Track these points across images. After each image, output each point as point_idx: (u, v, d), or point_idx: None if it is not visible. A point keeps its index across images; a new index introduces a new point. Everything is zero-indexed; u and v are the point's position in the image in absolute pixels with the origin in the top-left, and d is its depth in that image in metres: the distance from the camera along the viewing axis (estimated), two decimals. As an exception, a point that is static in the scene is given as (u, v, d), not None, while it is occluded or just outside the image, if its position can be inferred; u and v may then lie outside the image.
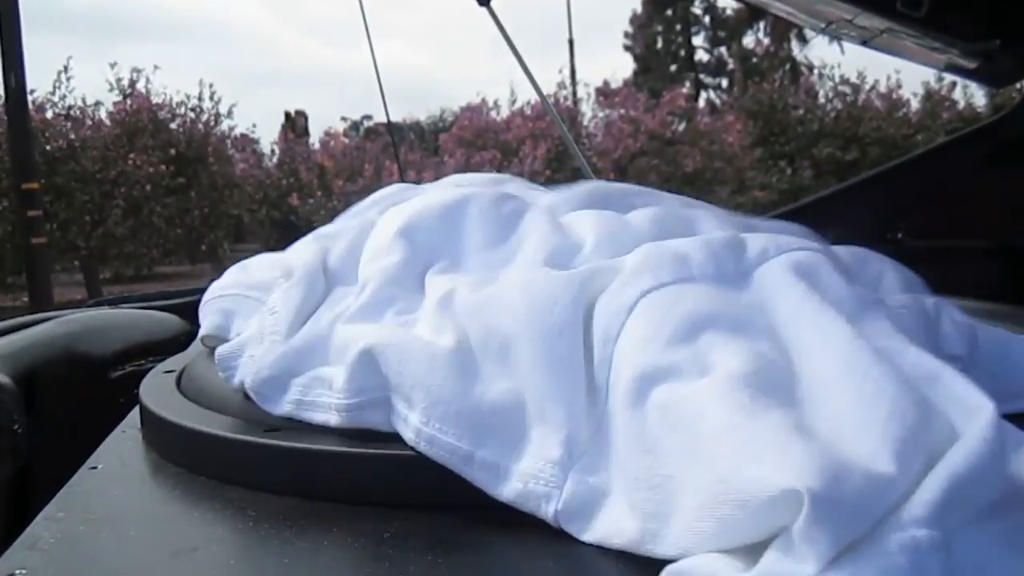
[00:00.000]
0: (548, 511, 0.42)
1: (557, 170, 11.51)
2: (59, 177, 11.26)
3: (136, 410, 0.64)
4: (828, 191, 1.62)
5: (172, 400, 0.59)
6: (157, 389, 0.62)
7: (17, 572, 0.39)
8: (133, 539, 0.44)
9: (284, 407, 0.53)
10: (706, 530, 0.34)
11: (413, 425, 0.46)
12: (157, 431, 0.57)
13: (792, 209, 1.56)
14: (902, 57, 1.60)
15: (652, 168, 12.24)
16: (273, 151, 15.91)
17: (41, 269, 10.74)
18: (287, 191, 14.11)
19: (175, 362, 0.74)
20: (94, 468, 0.54)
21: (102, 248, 11.67)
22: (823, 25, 1.52)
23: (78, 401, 0.86)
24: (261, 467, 0.49)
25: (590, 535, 0.41)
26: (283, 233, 14.90)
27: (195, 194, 12.18)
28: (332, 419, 0.50)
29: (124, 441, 0.60)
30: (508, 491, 0.43)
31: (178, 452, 0.54)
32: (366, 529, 0.43)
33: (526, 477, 0.43)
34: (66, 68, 11.69)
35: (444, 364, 0.47)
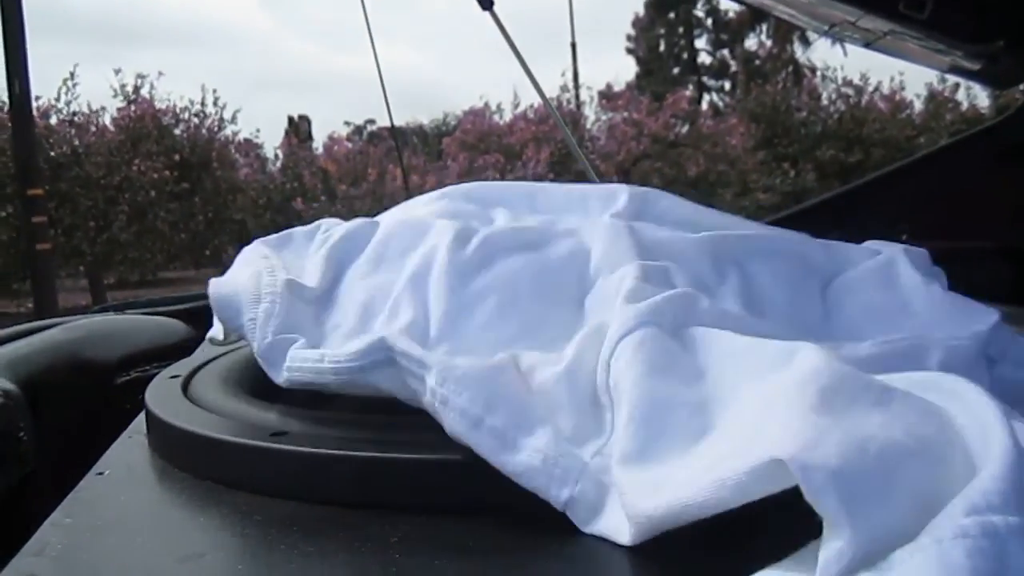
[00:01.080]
0: (560, 495, 0.42)
1: (560, 173, 11.51)
2: (63, 183, 11.29)
3: (142, 415, 0.64)
4: (832, 193, 1.62)
5: (178, 405, 0.59)
6: (163, 394, 0.62)
7: None
8: (140, 545, 0.44)
9: (283, 374, 0.54)
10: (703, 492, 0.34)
11: (429, 385, 0.46)
12: (163, 436, 0.57)
13: (796, 212, 1.56)
14: (905, 59, 1.60)
15: (655, 171, 12.24)
16: (277, 156, 15.95)
17: (46, 275, 10.76)
18: (291, 196, 14.13)
19: (181, 367, 0.74)
20: (100, 474, 0.54)
21: (107, 254, 11.69)
22: (826, 27, 1.52)
23: (83, 407, 0.86)
24: (267, 472, 0.49)
25: (595, 528, 0.41)
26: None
27: (199, 199, 12.21)
28: (332, 380, 0.51)
29: (130, 446, 0.60)
30: (515, 463, 0.42)
31: (184, 457, 0.54)
32: (373, 534, 0.43)
33: (540, 453, 0.42)
34: (72, 75, 11.74)
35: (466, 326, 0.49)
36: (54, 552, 0.43)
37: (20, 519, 0.62)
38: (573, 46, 21.02)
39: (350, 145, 16.10)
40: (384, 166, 14.06)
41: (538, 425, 0.43)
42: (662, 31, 26.36)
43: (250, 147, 14.72)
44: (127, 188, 11.60)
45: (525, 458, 0.42)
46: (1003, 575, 0.28)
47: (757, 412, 0.38)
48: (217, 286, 0.62)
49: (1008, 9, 1.33)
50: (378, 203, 13.61)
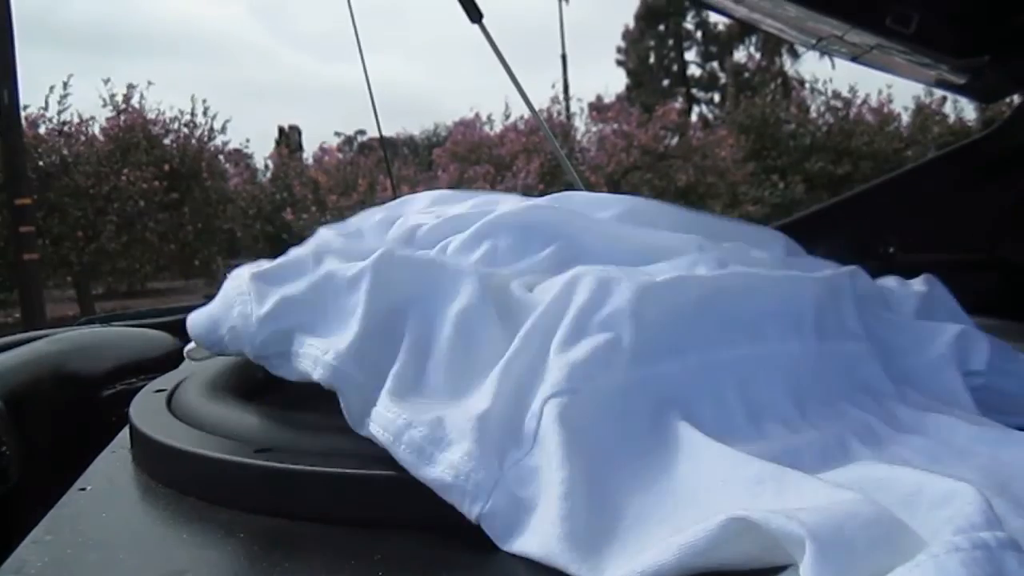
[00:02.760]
0: (472, 510, 0.43)
1: (550, 184, 11.53)
2: (52, 192, 11.23)
3: (126, 430, 0.63)
4: (820, 206, 1.63)
5: (162, 420, 0.59)
6: (147, 408, 0.62)
7: None
8: (121, 562, 0.44)
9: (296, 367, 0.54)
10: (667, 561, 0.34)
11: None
12: (147, 452, 0.56)
13: (784, 224, 1.57)
14: (892, 73, 1.61)
15: (645, 182, 12.27)
16: (267, 166, 15.92)
17: (33, 285, 10.69)
18: (280, 206, 14.10)
19: (165, 380, 0.73)
20: (83, 489, 0.53)
21: (95, 264, 11.63)
22: (814, 41, 1.52)
23: (68, 421, 0.85)
24: (251, 488, 0.48)
25: (514, 546, 0.42)
26: (278, 250, 14.83)
27: (188, 210, 12.17)
28: (317, 373, 0.51)
29: (114, 461, 0.59)
30: (432, 477, 0.44)
31: (167, 473, 0.53)
32: (356, 551, 0.43)
33: (453, 468, 0.43)
34: (65, 84, 11.70)
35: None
36: (34, 570, 0.42)
37: (3, 534, 0.61)
38: (563, 58, 21.11)
39: (340, 156, 16.08)
40: (374, 176, 14.04)
41: (456, 441, 0.44)
42: (652, 43, 26.49)
43: (240, 157, 14.70)
44: (116, 198, 11.56)
45: (439, 472, 0.43)
46: None
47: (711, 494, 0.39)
48: (195, 315, 0.62)
49: (993, 24, 1.34)
50: (368, 213, 13.55)
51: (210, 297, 0.77)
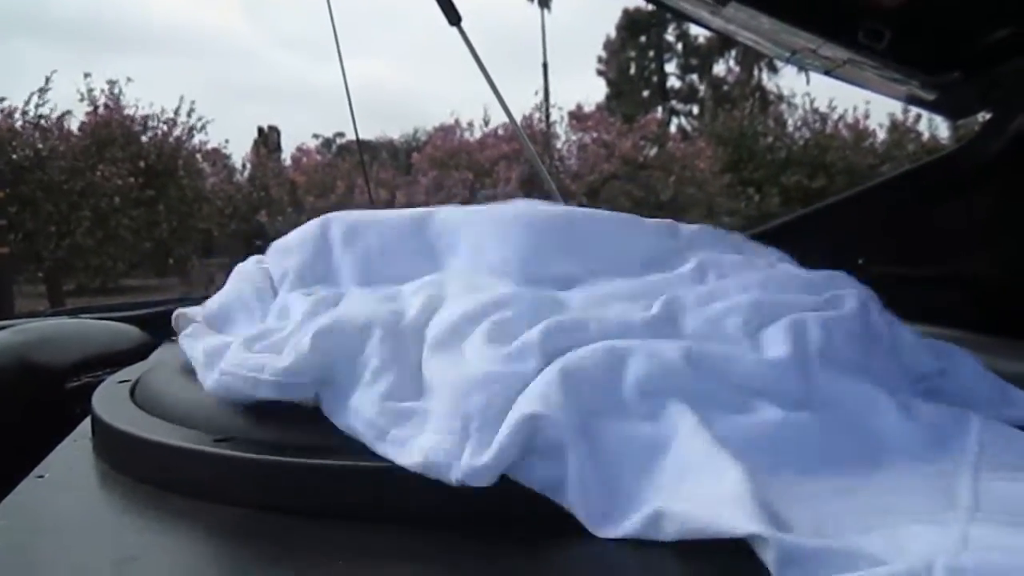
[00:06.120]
0: (451, 477, 0.46)
1: (530, 192, 11.56)
2: (25, 186, 11.09)
3: (88, 419, 0.63)
4: (792, 216, 1.65)
5: (124, 410, 0.59)
6: (110, 399, 0.61)
7: None
8: (76, 548, 0.44)
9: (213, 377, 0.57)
10: None
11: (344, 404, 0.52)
12: (107, 441, 0.56)
13: (756, 233, 1.58)
14: (864, 87, 1.63)
15: (624, 192, 12.33)
16: (245, 166, 15.82)
17: (2, 279, 10.54)
18: (257, 206, 14.02)
19: (130, 372, 0.73)
20: (41, 477, 0.53)
21: (68, 259, 11.50)
22: (788, 54, 1.54)
23: (31, 411, 0.84)
24: (210, 477, 0.48)
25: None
26: (255, 251, 14.78)
27: (164, 207, 12.06)
28: (266, 392, 0.54)
29: (74, 450, 0.59)
30: (412, 460, 0.47)
31: (127, 462, 0.53)
32: (313, 541, 0.43)
33: (426, 450, 0.47)
34: (47, 79, 11.58)
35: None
36: None
37: None
38: (544, 66, 21.17)
39: (319, 158, 16.01)
40: (353, 179, 13.99)
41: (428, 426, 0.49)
42: (633, 54, 26.62)
43: (218, 156, 14.59)
44: (91, 193, 11.43)
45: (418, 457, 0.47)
46: None
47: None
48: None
49: (963, 42, 1.37)
50: (346, 216, 13.50)
51: (186, 297, 0.80)
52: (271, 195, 14.11)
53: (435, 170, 12.68)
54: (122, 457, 0.54)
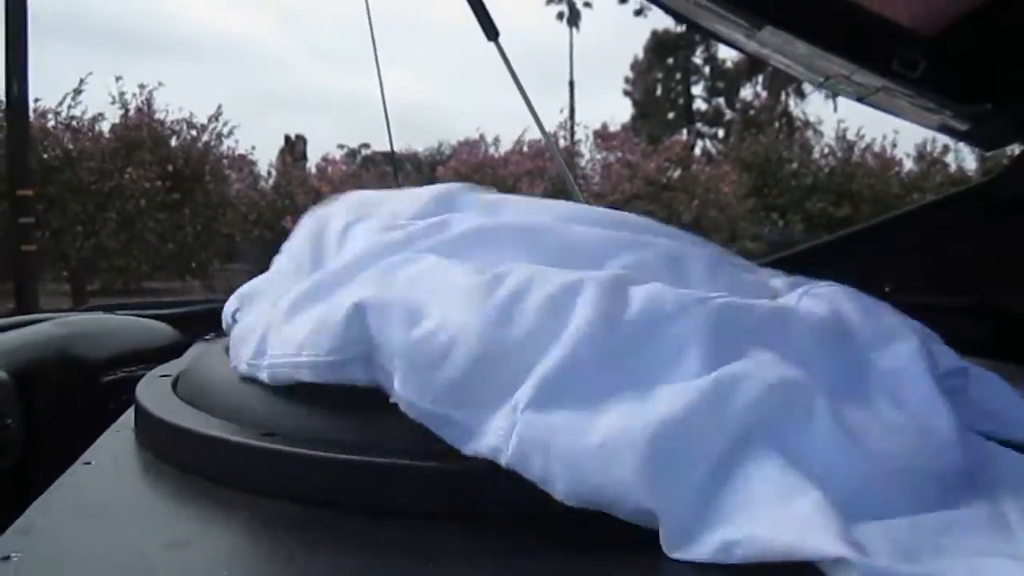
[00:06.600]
0: (502, 460, 0.47)
1: (553, 208, 11.57)
2: (53, 186, 11.24)
3: (130, 411, 0.64)
4: (818, 242, 1.65)
5: (168, 402, 0.60)
6: (153, 391, 0.63)
7: (13, 555, 0.40)
8: (125, 530, 0.45)
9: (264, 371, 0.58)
10: None
11: (396, 391, 0.52)
12: (151, 431, 0.58)
13: (780, 258, 1.59)
14: (896, 115, 1.63)
15: (647, 213, 12.31)
16: (270, 173, 15.96)
17: (29, 277, 10.67)
18: (281, 213, 14.12)
19: (170, 367, 0.75)
20: (88, 463, 0.55)
21: (92, 260, 11.63)
22: (821, 79, 1.55)
23: (70, 403, 0.86)
24: (256, 470, 0.50)
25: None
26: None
27: (189, 211, 12.19)
28: (305, 375, 0.54)
29: (117, 440, 0.61)
30: (474, 448, 0.48)
31: (171, 451, 0.55)
32: (356, 535, 0.44)
33: (491, 435, 0.48)
34: (81, 81, 11.76)
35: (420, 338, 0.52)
36: (41, 532, 0.43)
37: (7, 508, 0.62)
38: (571, 84, 21.31)
39: (344, 168, 16.12)
40: (377, 190, 14.02)
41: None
42: (660, 75, 26.70)
43: (244, 163, 14.73)
44: (118, 195, 11.57)
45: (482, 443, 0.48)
46: None
47: None
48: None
49: (998, 72, 1.37)
50: (368, 226, 13.57)
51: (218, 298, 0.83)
52: (296, 203, 14.22)
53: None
54: (166, 447, 0.55)
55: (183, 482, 0.51)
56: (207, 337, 1.11)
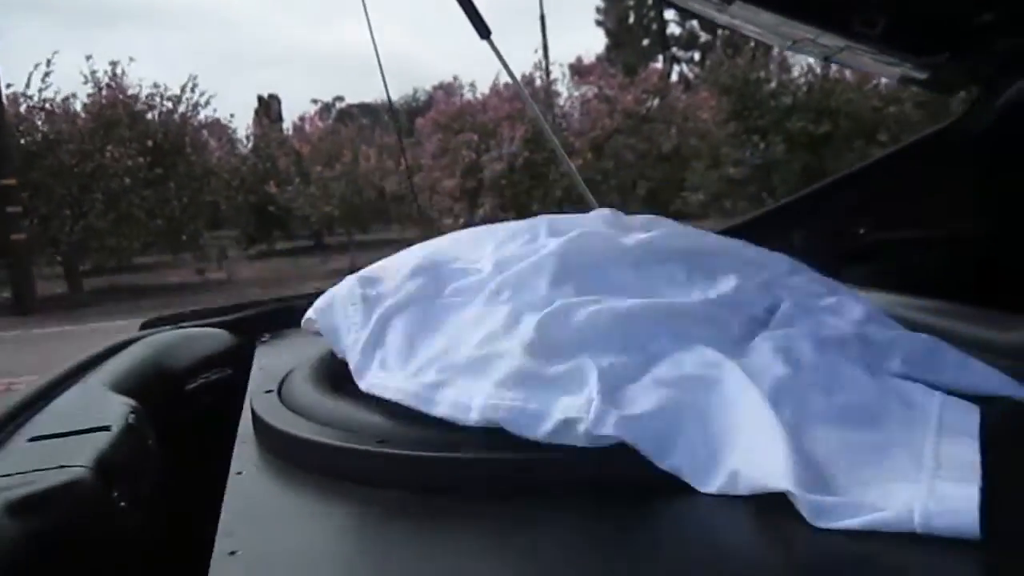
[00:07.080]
0: (579, 433, 0.60)
1: (535, 151, 11.62)
2: (36, 172, 11.20)
3: (246, 422, 0.78)
4: (795, 196, 1.77)
5: (281, 415, 0.74)
6: (269, 407, 0.76)
7: (238, 551, 0.54)
8: (304, 524, 0.59)
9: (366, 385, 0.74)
10: None
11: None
12: (281, 444, 0.70)
13: (764, 213, 1.72)
14: (861, 69, 1.75)
15: (628, 146, 12.36)
16: (248, 138, 15.85)
17: (22, 265, 10.72)
18: (264, 177, 14.08)
19: (259, 381, 0.88)
20: (239, 473, 0.68)
21: (83, 241, 11.64)
22: (789, 43, 1.67)
23: (166, 411, 1.00)
24: (377, 468, 0.63)
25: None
26: (265, 220, 15.02)
27: (174, 185, 12.17)
28: (403, 397, 0.69)
29: (247, 450, 0.73)
30: (545, 429, 0.61)
31: (312, 461, 0.67)
32: (467, 524, 0.57)
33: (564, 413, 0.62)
34: (49, 62, 11.59)
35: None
36: (243, 533, 0.57)
37: (159, 521, 0.77)
38: (542, 18, 21.05)
39: (321, 125, 15.95)
40: (356, 146, 14.01)
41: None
42: (631, 2, 26.38)
43: (221, 130, 14.62)
44: (101, 175, 11.54)
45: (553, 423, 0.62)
46: None
47: None
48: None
49: (951, 25, 1.49)
50: (353, 184, 13.64)
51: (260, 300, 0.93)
52: (277, 166, 14.17)
53: (439, 133, 12.70)
54: (300, 456, 0.68)
55: (322, 484, 0.64)
56: (263, 339, 1.24)
